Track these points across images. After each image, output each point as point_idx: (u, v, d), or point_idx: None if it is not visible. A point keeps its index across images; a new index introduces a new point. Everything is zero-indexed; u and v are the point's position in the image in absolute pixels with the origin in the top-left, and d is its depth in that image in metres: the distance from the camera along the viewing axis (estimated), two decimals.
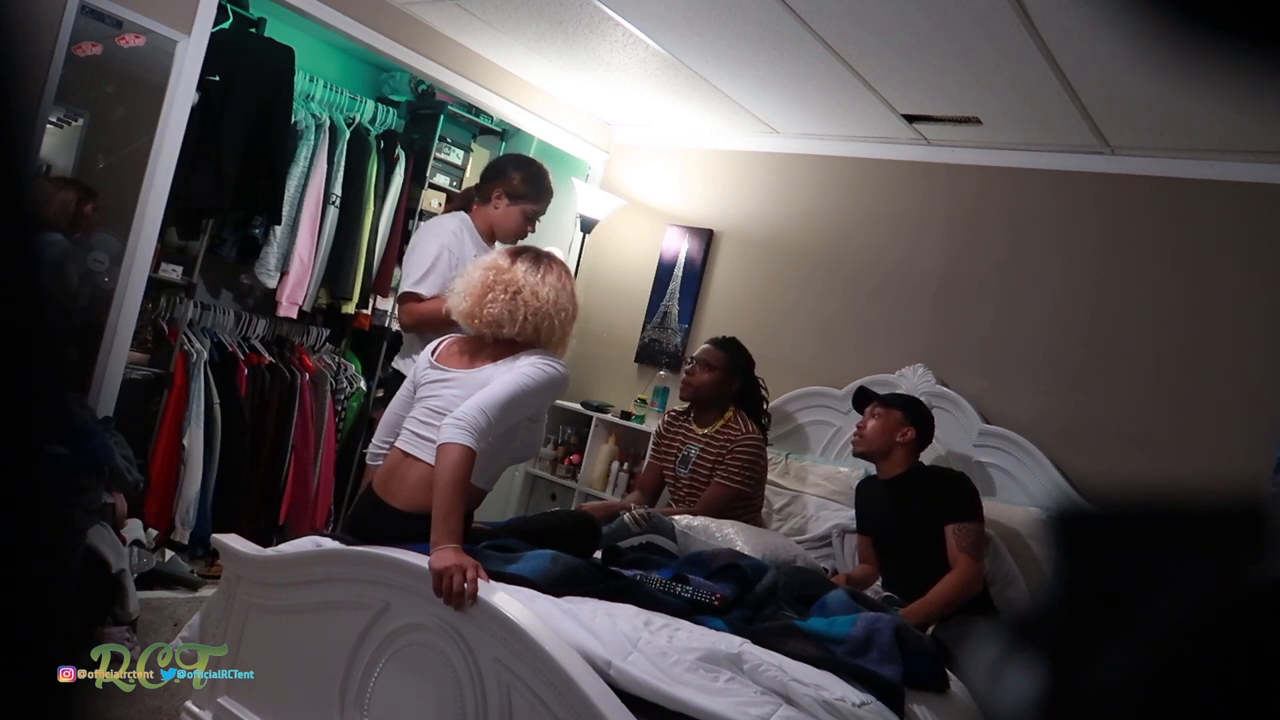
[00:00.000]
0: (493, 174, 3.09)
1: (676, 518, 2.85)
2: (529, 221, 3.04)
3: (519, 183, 3.00)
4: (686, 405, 3.40)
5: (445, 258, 2.88)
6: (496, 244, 3.07)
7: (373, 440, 2.45)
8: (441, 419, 2.11)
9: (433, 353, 2.35)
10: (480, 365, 2.23)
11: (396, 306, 3.02)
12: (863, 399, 3.05)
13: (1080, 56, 2.70)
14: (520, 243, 2.76)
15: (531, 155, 3.30)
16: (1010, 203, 3.61)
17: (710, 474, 3.17)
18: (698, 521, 2.83)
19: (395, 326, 4.09)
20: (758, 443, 3.19)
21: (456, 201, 3.22)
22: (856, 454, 3.02)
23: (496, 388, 2.11)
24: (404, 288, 2.92)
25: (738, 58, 3.37)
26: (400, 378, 2.95)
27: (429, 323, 2.84)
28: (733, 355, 3.27)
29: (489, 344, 2.27)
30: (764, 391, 3.42)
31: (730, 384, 3.25)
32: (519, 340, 2.24)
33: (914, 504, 2.80)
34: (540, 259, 2.32)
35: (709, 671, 1.74)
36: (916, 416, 2.91)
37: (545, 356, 2.21)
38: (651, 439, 3.62)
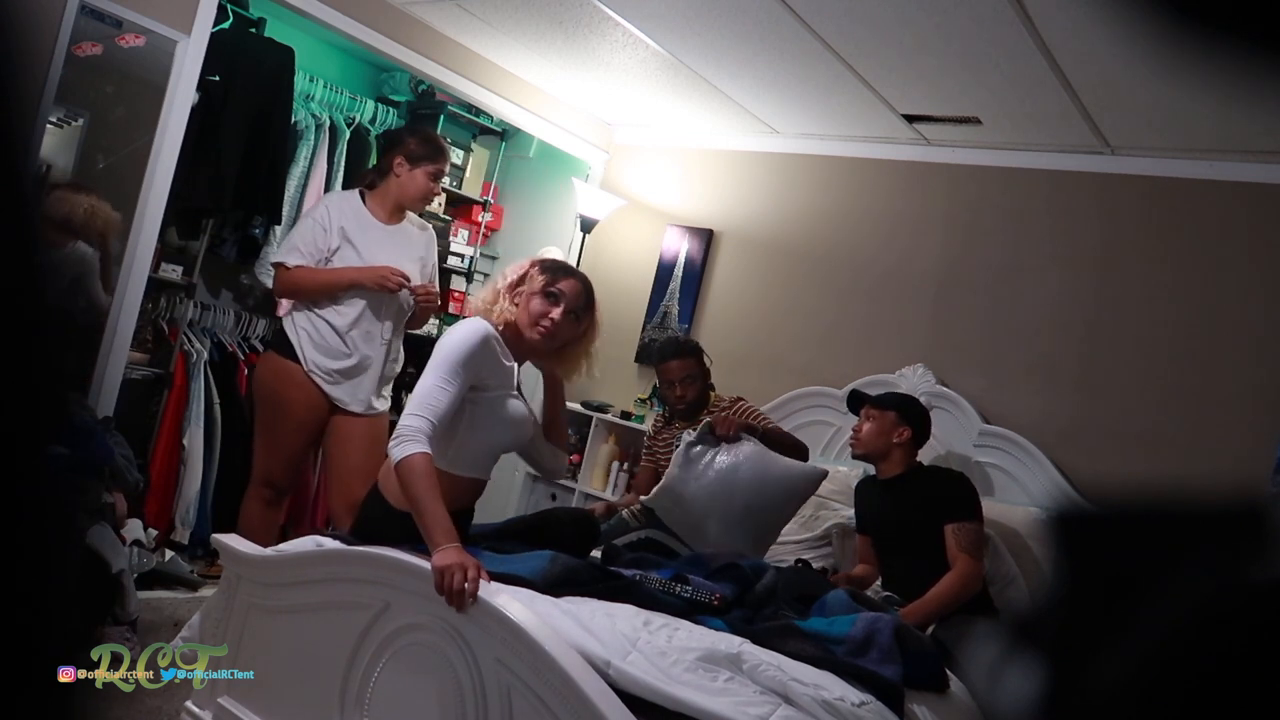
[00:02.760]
0: (388, 145, 3.23)
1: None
2: (434, 181, 3.13)
3: (415, 146, 3.11)
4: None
5: (311, 229, 3.02)
6: (409, 214, 3.17)
7: None
8: None
9: None
10: None
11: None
12: (856, 402, 3.05)
13: (1080, 56, 2.70)
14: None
15: (527, 154, 3.32)
16: (1010, 203, 3.61)
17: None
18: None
19: None
20: (744, 401, 3.29)
21: (361, 183, 3.26)
22: (855, 457, 3.03)
23: (419, 383, 2.08)
24: (272, 258, 3.19)
25: (738, 58, 3.37)
26: (281, 338, 3.08)
27: (297, 291, 3.03)
28: (699, 355, 3.32)
29: None
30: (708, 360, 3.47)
31: (709, 377, 3.33)
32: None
33: (913, 504, 2.80)
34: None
35: (708, 671, 1.74)
36: (911, 415, 2.91)
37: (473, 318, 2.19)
38: (644, 442, 3.62)
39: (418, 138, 3.14)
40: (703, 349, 3.36)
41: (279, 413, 3.03)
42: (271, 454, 3.07)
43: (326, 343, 3.00)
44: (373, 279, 2.95)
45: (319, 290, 3.00)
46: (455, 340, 2.08)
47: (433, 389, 2.02)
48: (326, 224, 3.03)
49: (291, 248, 3.02)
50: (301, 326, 3.02)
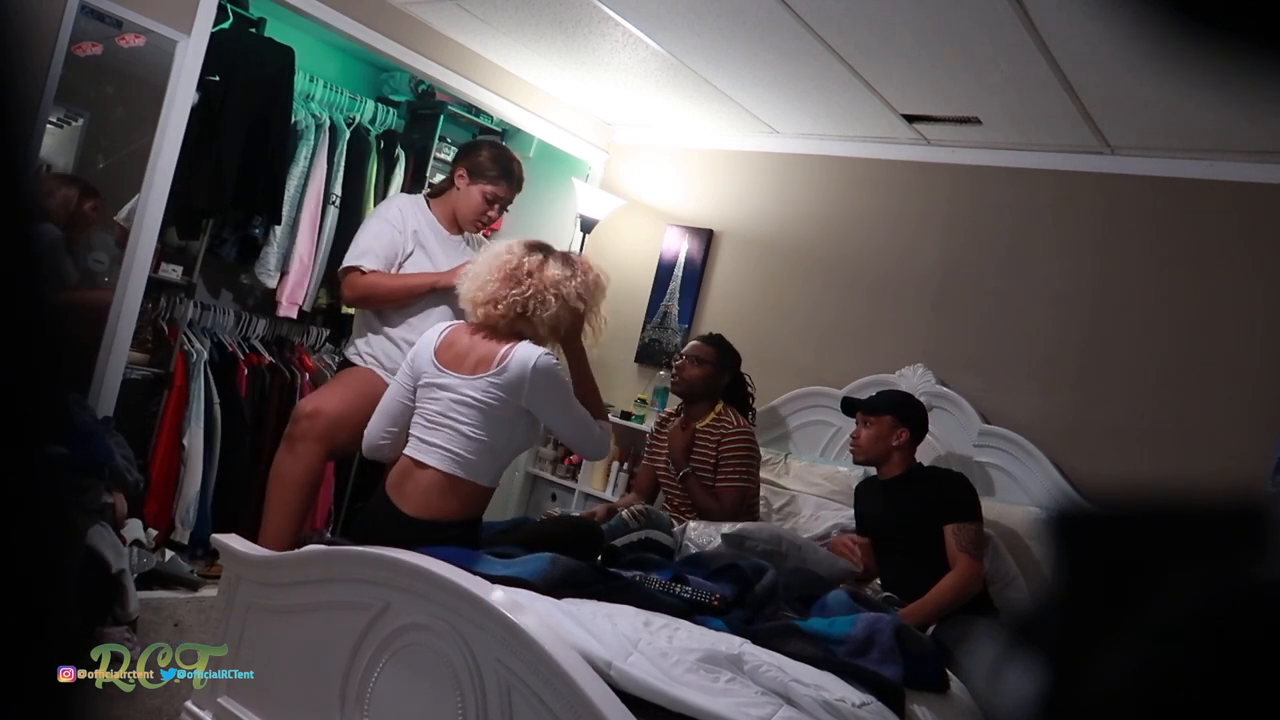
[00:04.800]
0: (460, 153, 3.11)
1: (688, 529, 2.84)
2: (489, 204, 2.98)
3: (481, 160, 2.98)
4: (678, 405, 3.42)
5: (387, 232, 2.90)
6: (465, 233, 3.09)
7: (370, 426, 2.40)
8: (443, 427, 2.13)
9: (435, 347, 2.32)
10: (477, 371, 2.21)
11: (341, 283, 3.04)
12: (849, 407, 3.04)
13: (1080, 56, 2.70)
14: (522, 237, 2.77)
15: (527, 154, 3.29)
16: (1010, 203, 3.60)
17: (710, 469, 3.16)
18: (695, 525, 2.83)
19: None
20: (749, 435, 3.22)
21: (434, 191, 3.21)
22: (857, 463, 3.04)
23: (559, 418, 2.25)
24: (345, 262, 2.95)
25: (738, 58, 3.37)
26: (349, 367, 2.93)
27: (371, 297, 2.88)
28: (721, 351, 3.33)
29: (483, 338, 2.26)
30: (750, 389, 3.47)
31: (720, 378, 3.31)
32: (525, 334, 2.24)
33: (913, 504, 2.80)
34: (570, 259, 2.34)
35: (709, 672, 1.74)
36: (906, 416, 2.90)
37: (535, 351, 2.20)
38: (647, 440, 3.63)
39: (490, 153, 2.99)
40: (731, 352, 3.35)
41: (360, 378, 2.82)
42: (329, 395, 2.82)
43: (398, 365, 2.84)
44: (458, 280, 2.80)
45: (396, 296, 2.84)
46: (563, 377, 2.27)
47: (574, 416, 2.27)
48: (401, 226, 2.89)
49: (365, 250, 2.86)
50: (367, 353, 2.87)
